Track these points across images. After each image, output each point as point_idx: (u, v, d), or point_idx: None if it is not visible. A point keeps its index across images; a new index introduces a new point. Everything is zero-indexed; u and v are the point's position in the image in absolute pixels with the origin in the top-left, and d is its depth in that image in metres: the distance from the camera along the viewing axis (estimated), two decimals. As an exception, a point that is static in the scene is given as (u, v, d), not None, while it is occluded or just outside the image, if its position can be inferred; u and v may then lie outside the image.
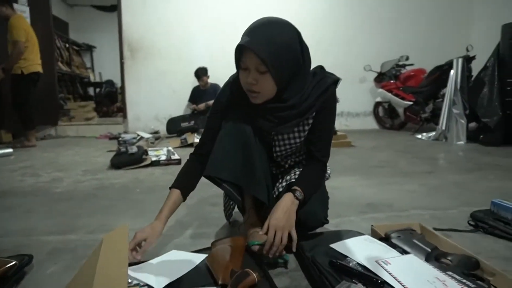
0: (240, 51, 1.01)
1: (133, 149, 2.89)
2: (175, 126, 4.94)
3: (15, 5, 4.20)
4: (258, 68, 0.99)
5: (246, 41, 0.96)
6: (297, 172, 1.22)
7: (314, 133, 1.15)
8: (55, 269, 1.09)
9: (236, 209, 1.42)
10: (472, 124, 4.13)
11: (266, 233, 1.02)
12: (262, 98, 1.05)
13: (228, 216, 1.42)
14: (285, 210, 1.05)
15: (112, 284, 0.55)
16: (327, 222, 1.23)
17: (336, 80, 1.12)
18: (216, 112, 1.19)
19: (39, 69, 4.03)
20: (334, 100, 1.14)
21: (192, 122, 4.84)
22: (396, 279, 0.85)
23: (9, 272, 0.95)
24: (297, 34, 1.03)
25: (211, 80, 5.04)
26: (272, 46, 0.96)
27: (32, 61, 3.91)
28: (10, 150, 3.41)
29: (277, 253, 1.02)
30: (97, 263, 0.61)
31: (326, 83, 1.09)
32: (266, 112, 1.08)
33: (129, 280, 0.91)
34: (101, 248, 0.73)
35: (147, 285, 0.90)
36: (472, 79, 4.13)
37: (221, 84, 1.26)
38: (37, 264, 1.11)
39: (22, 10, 4.27)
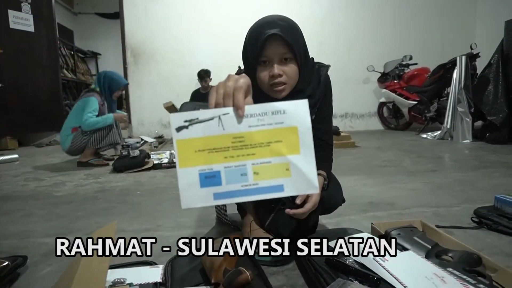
0: (262, 46, 0.99)
1: (135, 152, 2.89)
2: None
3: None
4: (283, 56, 1.00)
5: (273, 31, 0.95)
6: None
7: (318, 119, 1.17)
8: (49, 270, 1.08)
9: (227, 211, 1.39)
10: (478, 123, 4.07)
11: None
12: (287, 89, 1.04)
13: (224, 218, 1.40)
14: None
15: (91, 280, 0.54)
16: (344, 201, 1.27)
17: (328, 67, 1.17)
18: None
19: None
20: (330, 85, 1.18)
21: None
22: (392, 276, 0.83)
23: (1, 272, 0.95)
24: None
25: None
26: (294, 32, 1.00)
27: None
28: (15, 156, 3.43)
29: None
30: (80, 261, 0.60)
31: (323, 71, 1.15)
32: None
33: (122, 279, 0.90)
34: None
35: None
36: (477, 76, 4.08)
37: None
38: (32, 266, 1.10)
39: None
